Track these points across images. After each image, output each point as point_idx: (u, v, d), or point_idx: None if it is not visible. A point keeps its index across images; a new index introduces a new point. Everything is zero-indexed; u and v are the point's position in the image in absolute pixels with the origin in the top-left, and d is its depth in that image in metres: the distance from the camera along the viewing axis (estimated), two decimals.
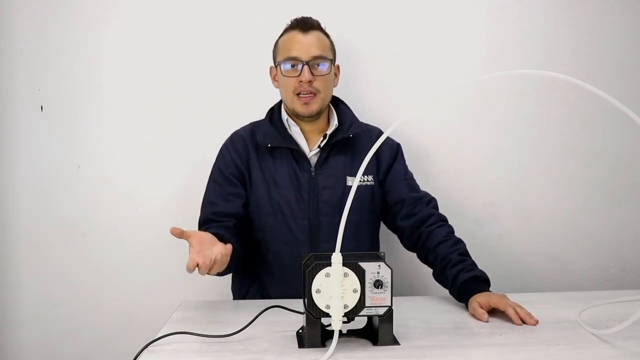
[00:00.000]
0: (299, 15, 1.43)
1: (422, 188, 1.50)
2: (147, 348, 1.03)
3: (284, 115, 1.46)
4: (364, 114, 1.57)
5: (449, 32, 1.71)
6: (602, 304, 1.27)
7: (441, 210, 1.45)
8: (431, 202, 1.46)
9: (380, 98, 1.70)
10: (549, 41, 1.71)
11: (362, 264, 1.01)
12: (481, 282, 1.28)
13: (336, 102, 1.53)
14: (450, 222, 1.43)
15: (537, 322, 1.15)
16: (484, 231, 1.75)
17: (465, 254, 1.35)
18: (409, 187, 1.46)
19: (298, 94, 1.39)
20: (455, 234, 1.40)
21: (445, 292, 1.36)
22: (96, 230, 1.72)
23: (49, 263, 1.72)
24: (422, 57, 1.71)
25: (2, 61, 1.68)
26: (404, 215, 1.44)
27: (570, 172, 1.75)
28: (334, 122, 1.45)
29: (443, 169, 1.73)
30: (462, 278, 1.28)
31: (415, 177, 1.52)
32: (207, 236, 1.18)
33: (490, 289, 1.29)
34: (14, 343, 1.75)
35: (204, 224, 1.38)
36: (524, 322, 1.15)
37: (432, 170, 1.73)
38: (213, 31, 1.68)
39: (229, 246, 1.15)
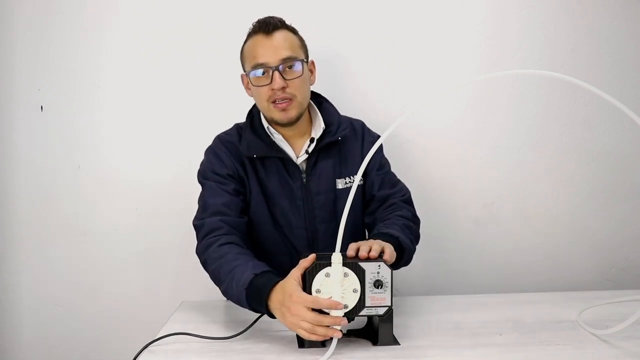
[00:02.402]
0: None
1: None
2: (147, 348, 1.04)
3: (265, 122, 1.37)
4: (363, 114, 1.57)
5: (448, 32, 1.71)
6: (602, 304, 1.27)
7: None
8: (401, 198, 1.39)
9: (380, 98, 1.70)
10: (548, 41, 1.71)
11: (362, 264, 1.01)
12: (391, 240, 1.17)
13: (318, 99, 1.45)
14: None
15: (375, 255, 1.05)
16: (484, 231, 1.75)
17: (407, 225, 1.28)
18: (380, 183, 1.40)
19: (274, 102, 1.30)
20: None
21: (445, 292, 1.36)
22: (96, 230, 1.72)
23: (49, 263, 1.72)
24: (422, 57, 1.71)
25: (2, 61, 1.68)
26: (369, 212, 1.41)
27: (570, 172, 1.75)
28: (321, 125, 1.37)
29: (443, 169, 1.73)
30: (376, 230, 1.25)
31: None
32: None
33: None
34: (14, 343, 1.75)
35: (212, 215, 1.27)
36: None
37: (432, 171, 1.72)
38: (213, 32, 1.68)
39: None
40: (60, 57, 1.68)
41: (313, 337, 0.99)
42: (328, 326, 0.99)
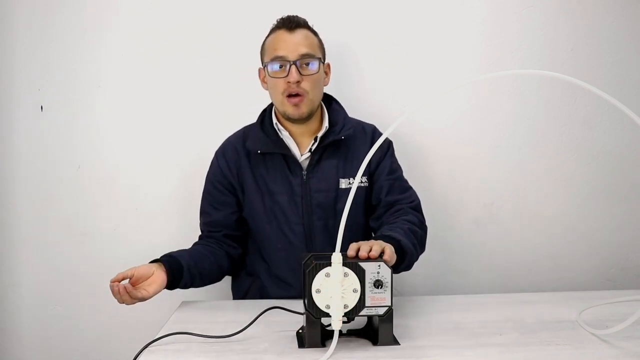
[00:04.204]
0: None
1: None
2: (147, 348, 1.04)
3: (274, 119, 1.42)
4: (363, 114, 1.57)
5: (448, 32, 1.71)
6: (602, 304, 1.27)
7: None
8: (409, 204, 1.40)
9: (380, 97, 1.70)
10: (548, 41, 1.71)
11: (362, 264, 1.01)
12: (392, 243, 1.15)
13: (329, 100, 1.50)
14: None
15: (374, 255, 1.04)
16: (484, 231, 1.74)
17: (411, 230, 1.28)
18: (388, 188, 1.41)
19: (287, 96, 1.34)
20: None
21: (446, 292, 1.36)
22: (96, 230, 1.72)
23: (49, 263, 1.72)
24: (422, 57, 1.71)
25: (2, 61, 1.68)
26: (376, 217, 1.42)
27: (570, 172, 1.75)
28: (325, 124, 1.41)
29: (443, 169, 1.73)
30: (379, 233, 1.28)
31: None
32: (144, 270, 1.23)
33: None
34: (14, 343, 1.75)
35: (201, 233, 1.48)
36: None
37: (432, 170, 1.72)
38: (213, 32, 1.68)
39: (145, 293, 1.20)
40: (60, 57, 1.68)
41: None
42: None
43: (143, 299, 1.19)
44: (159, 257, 1.29)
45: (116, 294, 1.16)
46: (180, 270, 1.28)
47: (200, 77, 1.69)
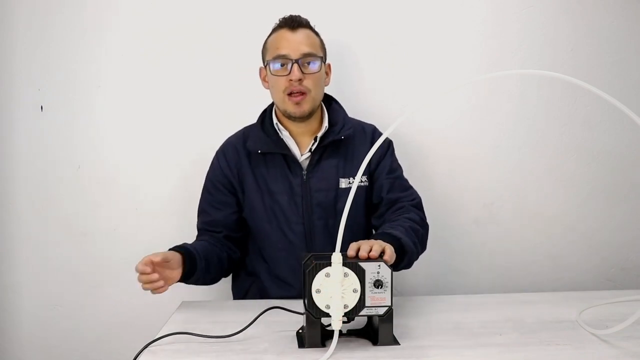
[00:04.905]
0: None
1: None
2: (147, 348, 1.04)
3: (275, 119, 1.43)
4: (363, 114, 1.57)
5: (448, 32, 1.71)
6: (602, 304, 1.27)
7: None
8: (410, 202, 1.40)
9: (380, 97, 1.70)
10: (548, 41, 1.71)
11: (362, 264, 1.01)
12: (393, 241, 1.15)
13: (329, 100, 1.50)
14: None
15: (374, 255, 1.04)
16: (484, 231, 1.75)
17: (412, 228, 1.28)
18: (389, 186, 1.42)
19: (289, 94, 1.35)
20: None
21: (446, 292, 1.36)
22: (96, 230, 1.72)
23: (49, 263, 1.72)
24: (422, 57, 1.71)
25: (2, 61, 1.68)
26: (378, 215, 1.43)
27: (570, 172, 1.75)
28: (325, 124, 1.42)
29: (443, 169, 1.73)
30: (380, 230, 1.28)
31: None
32: (172, 255, 1.21)
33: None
34: (14, 343, 1.75)
35: (199, 232, 1.46)
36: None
37: (432, 170, 1.73)
38: (213, 32, 1.68)
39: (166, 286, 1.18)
40: (60, 57, 1.68)
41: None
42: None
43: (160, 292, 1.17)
44: (177, 248, 1.26)
45: (147, 279, 1.12)
46: (194, 267, 1.26)
47: (200, 77, 1.69)
